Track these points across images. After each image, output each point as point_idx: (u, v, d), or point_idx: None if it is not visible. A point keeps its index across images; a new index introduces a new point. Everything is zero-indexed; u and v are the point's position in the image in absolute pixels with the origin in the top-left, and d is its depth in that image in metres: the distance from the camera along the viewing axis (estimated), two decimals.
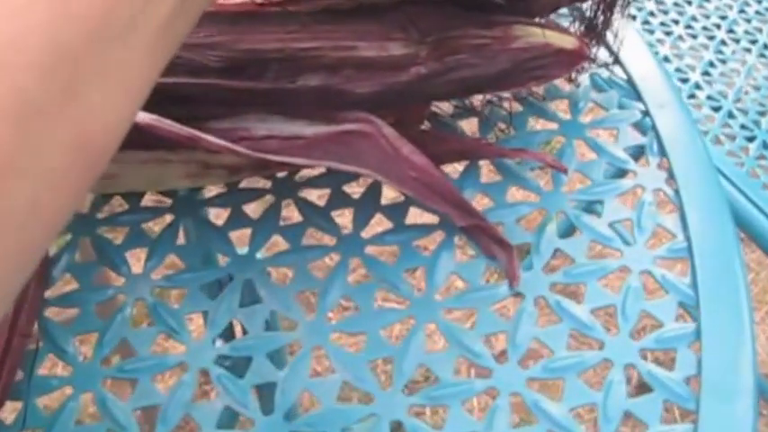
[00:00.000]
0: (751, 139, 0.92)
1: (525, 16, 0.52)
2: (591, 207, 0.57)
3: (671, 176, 0.57)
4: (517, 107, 0.61)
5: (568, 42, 0.53)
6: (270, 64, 0.50)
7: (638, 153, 0.59)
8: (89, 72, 0.30)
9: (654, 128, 0.60)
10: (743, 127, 0.93)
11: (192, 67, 0.49)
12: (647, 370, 0.48)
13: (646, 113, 0.61)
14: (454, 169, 0.56)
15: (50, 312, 0.51)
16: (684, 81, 0.96)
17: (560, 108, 0.61)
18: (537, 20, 0.54)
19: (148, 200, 0.56)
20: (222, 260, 0.53)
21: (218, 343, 0.49)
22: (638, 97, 0.63)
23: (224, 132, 0.50)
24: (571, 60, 0.53)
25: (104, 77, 0.31)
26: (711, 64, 0.99)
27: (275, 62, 0.50)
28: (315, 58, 0.49)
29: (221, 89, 0.49)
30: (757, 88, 0.98)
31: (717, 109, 0.94)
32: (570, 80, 0.61)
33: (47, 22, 0.29)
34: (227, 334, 0.51)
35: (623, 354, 0.48)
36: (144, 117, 0.47)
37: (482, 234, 0.53)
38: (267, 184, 0.56)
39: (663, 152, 0.58)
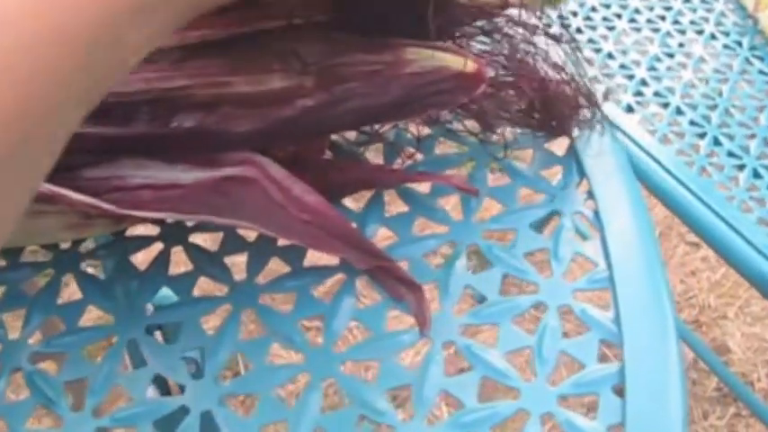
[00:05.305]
0: (701, 136, 0.88)
1: (420, 39, 0.48)
2: (504, 237, 0.53)
3: (591, 197, 0.53)
4: (425, 130, 0.57)
5: (467, 65, 0.48)
6: (139, 106, 0.45)
7: (555, 174, 0.55)
8: None
9: (572, 146, 0.56)
10: (692, 123, 0.89)
11: None
12: (565, 418, 0.44)
13: None
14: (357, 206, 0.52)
15: None
16: (630, 78, 0.92)
17: (471, 128, 0.57)
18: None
19: (28, 255, 0.52)
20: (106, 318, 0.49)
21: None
22: None
23: (98, 182, 0.46)
24: (471, 84, 0.48)
25: None
26: (657, 58, 0.95)
27: (144, 104, 0.45)
28: (186, 97, 0.45)
29: (88, 137, 0.45)
30: (706, 81, 0.94)
31: (665, 105, 0.90)
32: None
33: None
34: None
35: (541, 402, 0.44)
36: None
37: (387, 275, 0.49)
38: (156, 230, 0.52)
39: (582, 172, 0.54)
